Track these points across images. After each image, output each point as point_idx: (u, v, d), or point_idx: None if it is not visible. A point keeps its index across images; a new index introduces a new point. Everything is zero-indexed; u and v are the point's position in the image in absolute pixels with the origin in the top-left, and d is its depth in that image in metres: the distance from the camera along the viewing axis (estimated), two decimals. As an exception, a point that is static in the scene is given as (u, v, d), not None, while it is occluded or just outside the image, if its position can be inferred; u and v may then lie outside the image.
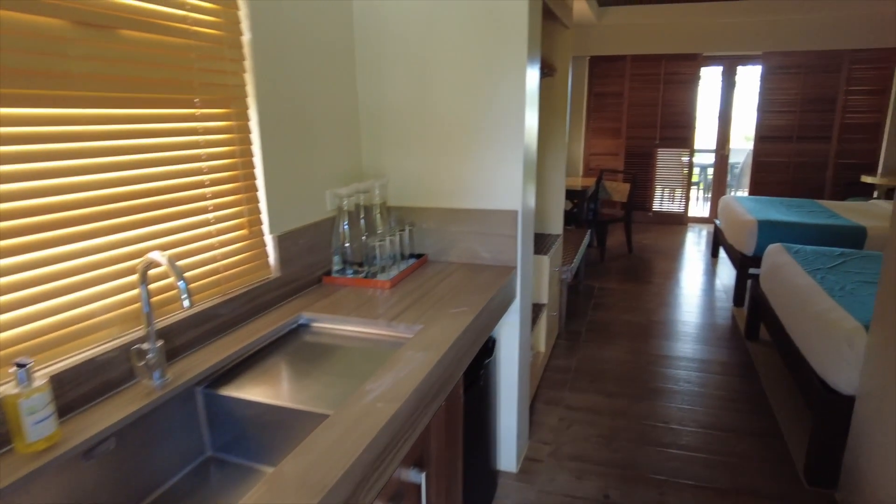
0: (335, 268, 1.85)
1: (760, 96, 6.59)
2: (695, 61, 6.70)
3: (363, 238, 1.87)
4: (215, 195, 1.40)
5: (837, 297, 2.34)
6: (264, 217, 1.56)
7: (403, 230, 1.95)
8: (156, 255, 1.06)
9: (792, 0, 5.89)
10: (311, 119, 1.75)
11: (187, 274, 1.33)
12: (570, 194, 5.12)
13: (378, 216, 1.94)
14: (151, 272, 1.20)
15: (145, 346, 1.12)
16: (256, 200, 1.54)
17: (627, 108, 7.08)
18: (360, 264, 1.86)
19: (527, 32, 1.79)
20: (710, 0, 6.15)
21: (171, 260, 1.04)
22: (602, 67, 7.08)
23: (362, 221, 1.89)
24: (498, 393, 2.12)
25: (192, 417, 1.21)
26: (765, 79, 6.53)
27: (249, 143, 1.50)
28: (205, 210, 1.37)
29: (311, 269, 1.78)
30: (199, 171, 1.34)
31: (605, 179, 6.11)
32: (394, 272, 1.85)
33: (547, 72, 3.16)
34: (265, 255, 1.58)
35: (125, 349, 1.12)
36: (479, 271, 1.93)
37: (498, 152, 1.92)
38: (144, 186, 1.20)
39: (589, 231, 4.49)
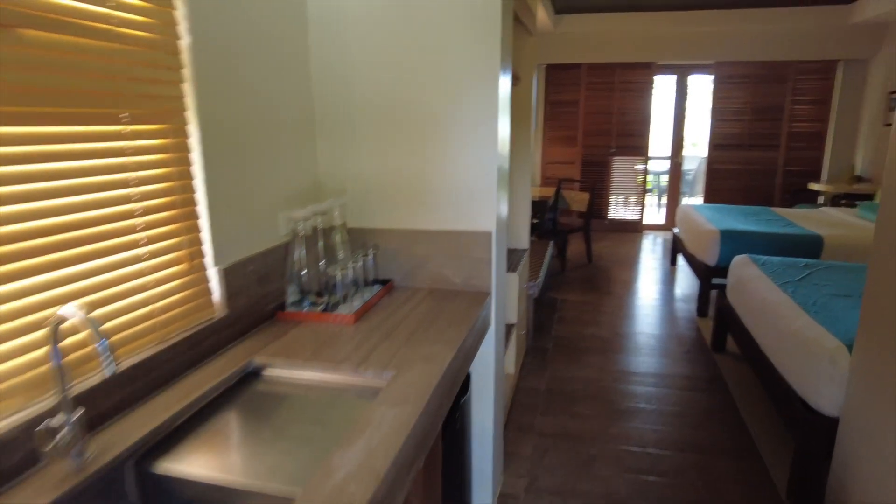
0: (290, 300, 1.65)
1: (713, 105, 6.71)
2: (648, 70, 6.77)
3: (321, 264, 1.68)
4: (148, 226, 1.19)
5: (812, 313, 2.29)
6: (207, 248, 1.35)
7: (367, 255, 1.77)
8: (69, 310, 0.85)
9: (741, 11, 6.02)
10: (260, 134, 1.55)
11: (113, 323, 1.11)
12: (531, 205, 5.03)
13: (338, 239, 1.76)
14: (69, 323, 0.99)
15: (56, 420, 0.90)
16: (197, 229, 1.33)
17: (583, 116, 7.10)
18: (319, 294, 1.67)
19: (500, 34, 1.65)
20: (663, 10, 6.22)
21: (89, 314, 0.84)
22: (558, 76, 7.07)
23: (320, 246, 1.70)
24: (472, 429, 1.96)
25: (122, 501, 1.00)
26: (716, 88, 6.66)
27: (189, 163, 1.29)
28: (135, 244, 1.16)
29: (263, 303, 1.58)
30: (129, 199, 1.13)
31: (562, 189, 6.07)
32: (357, 303, 1.66)
33: (512, 80, 3.05)
34: (208, 291, 1.37)
35: (31, 424, 0.91)
36: (450, 298, 1.77)
37: (470, 167, 1.77)
38: (58, 220, 0.98)
39: (551, 242, 4.41)
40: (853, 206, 5.42)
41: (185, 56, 1.25)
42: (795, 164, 6.58)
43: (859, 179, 6.05)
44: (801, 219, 4.57)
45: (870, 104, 6.12)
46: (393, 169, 1.83)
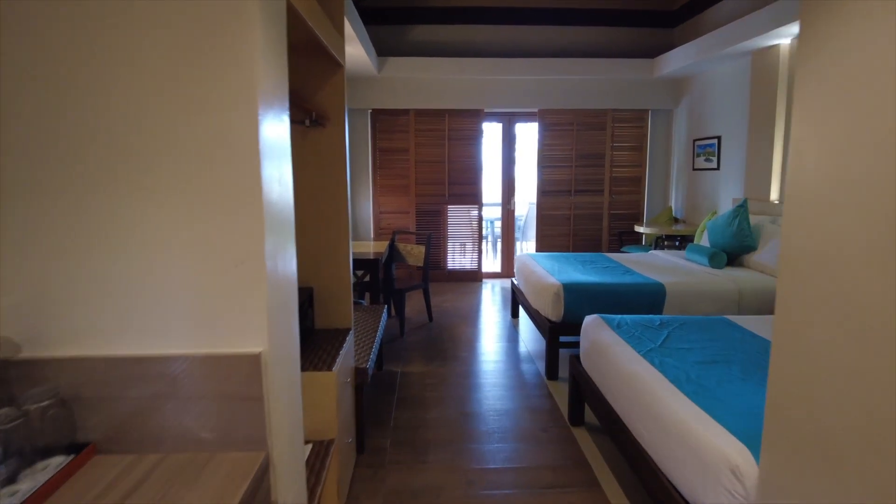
0: None
1: (539, 152, 6.74)
2: (477, 117, 6.63)
3: None
4: None
5: (691, 395, 1.92)
6: None
7: (29, 408, 0.97)
8: None
9: (561, 60, 6.14)
10: None
11: None
12: (361, 264, 4.41)
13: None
14: None
15: None
16: None
17: (415, 164, 6.72)
18: None
19: (259, 48, 1.01)
20: (488, 56, 6.15)
21: None
22: (386, 122, 6.65)
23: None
24: None
25: None
26: (541, 135, 6.70)
27: None
28: None
29: None
30: None
31: (397, 241, 5.54)
32: (-14, 523, 0.86)
33: (318, 120, 2.42)
34: None
35: None
36: (193, 473, 1.03)
37: (217, 248, 1.07)
38: None
39: (385, 306, 3.79)
40: (676, 246, 5.60)
41: None
42: (619, 207, 6.81)
43: (676, 221, 6.38)
44: (637, 265, 4.50)
45: (678, 150, 6.55)
46: (86, 257, 1.07)
